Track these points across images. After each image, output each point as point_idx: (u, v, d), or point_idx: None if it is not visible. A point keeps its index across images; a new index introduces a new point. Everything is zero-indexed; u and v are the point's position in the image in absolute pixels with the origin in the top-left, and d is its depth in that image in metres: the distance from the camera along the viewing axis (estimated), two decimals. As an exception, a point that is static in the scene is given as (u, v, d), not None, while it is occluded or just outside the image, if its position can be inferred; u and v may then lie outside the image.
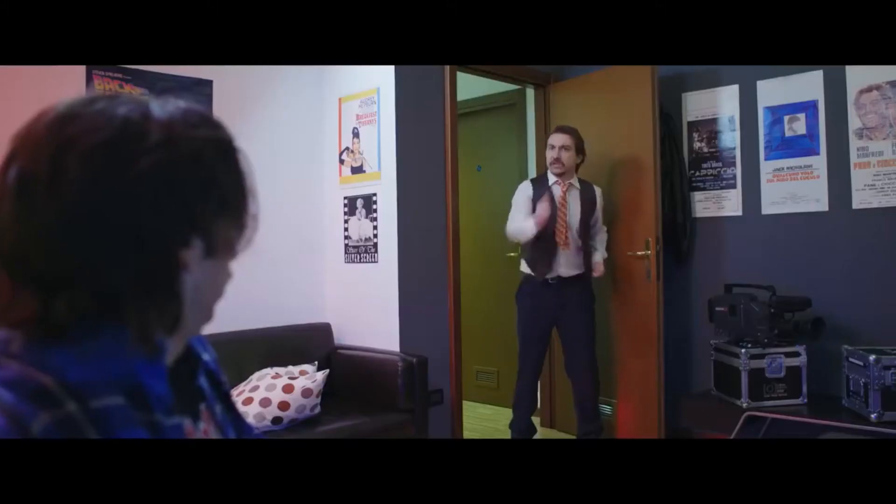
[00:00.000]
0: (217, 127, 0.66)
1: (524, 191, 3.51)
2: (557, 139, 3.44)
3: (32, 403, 0.52)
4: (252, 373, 2.93)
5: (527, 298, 3.48)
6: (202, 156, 0.62)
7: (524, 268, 3.50)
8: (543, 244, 3.36)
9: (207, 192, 0.63)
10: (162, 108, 0.62)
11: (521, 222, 3.41)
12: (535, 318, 3.45)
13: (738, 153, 3.57)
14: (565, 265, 3.39)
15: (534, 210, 3.36)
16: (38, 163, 0.57)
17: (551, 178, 3.43)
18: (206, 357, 0.79)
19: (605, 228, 3.59)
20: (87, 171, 0.57)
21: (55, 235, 0.57)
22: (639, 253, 3.54)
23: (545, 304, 3.41)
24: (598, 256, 3.52)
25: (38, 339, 0.58)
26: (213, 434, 0.73)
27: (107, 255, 0.58)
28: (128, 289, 0.59)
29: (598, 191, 3.53)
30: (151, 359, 0.62)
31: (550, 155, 3.43)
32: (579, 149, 3.45)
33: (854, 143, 3.19)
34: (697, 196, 3.72)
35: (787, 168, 3.41)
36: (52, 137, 0.58)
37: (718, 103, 3.64)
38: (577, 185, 3.47)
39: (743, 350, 3.02)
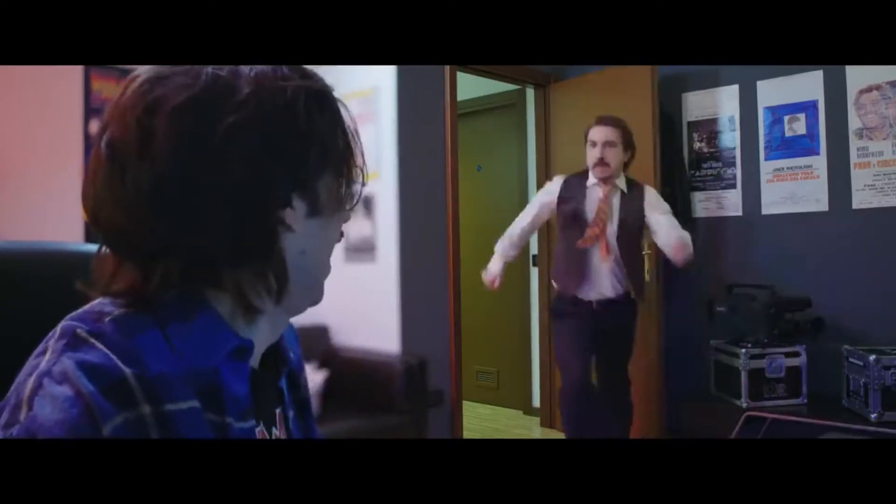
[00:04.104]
0: (310, 76, 0.61)
1: (548, 190, 2.96)
2: (600, 134, 2.78)
3: (111, 401, 0.50)
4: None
5: (563, 319, 2.92)
6: (295, 106, 0.58)
7: (554, 282, 3.05)
8: (575, 252, 2.83)
9: (305, 145, 0.59)
10: (251, 66, 0.59)
11: (506, 236, 2.97)
12: (573, 340, 2.85)
13: (738, 153, 3.57)
14: (605, 282, 2.83)
15: (561, 212, 2.90)
16: (126, 128, 0.55)
17: (592, 178, 2.84)
18: (291, 356, 0.75)
19: (675, 224, 2.81)
20: (174, 132, 0.54)
21: (147, 202, 0.55)
22: (639, 253, 3.52)
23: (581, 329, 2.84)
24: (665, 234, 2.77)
25: (136, 309, 0.57)
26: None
27: (201, 220, 0.56)
28: (226, 255, 0.57)
29: (649, 194, 2.86)
30: (238, 357, 0.60)
31: (592, 155, 2.78)
32: (628, 143, 2.81)
33: (854, 143, 3.19)
34: (697, 196, 3.72)
35: (787, 168, 3.41)
36: (140, 100, 0.56)
37: (718, 103, 3.64)
38: (624, 187, 2.84)
39: (743, 350, 3.02)
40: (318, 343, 3.32)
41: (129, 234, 0.57)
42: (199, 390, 0.57)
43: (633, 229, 2.83)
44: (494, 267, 2.93)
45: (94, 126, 2.64)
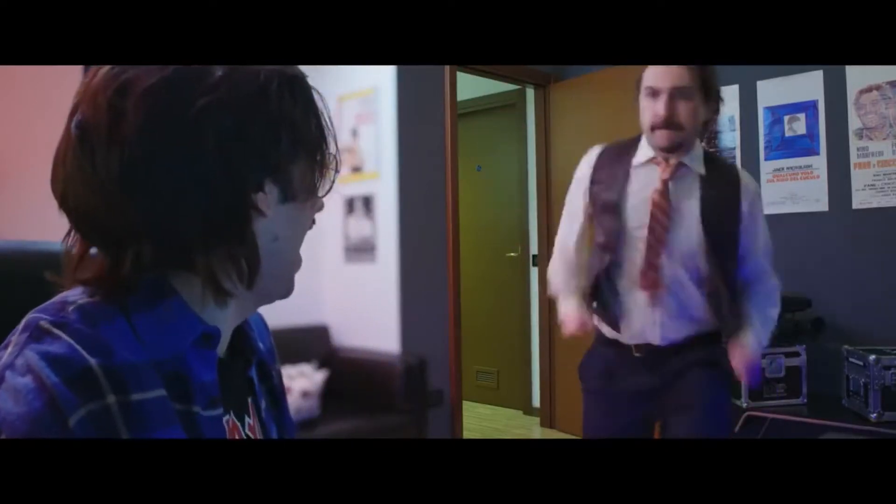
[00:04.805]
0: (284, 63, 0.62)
1: (580, 170, 1.86)
2: (665, 76, 1.66)
3: (75, 392, 0.50)
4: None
5: (596, 372, 1.85)
6: (269, 90, 0.58)
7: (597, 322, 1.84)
8: (609, 283, 1.77)
9: (277, 129, 0.59)
10: None
11: (556, 263, 1.90)
12: (611, 403, 1.82)
13: (738, 153, 3.57)
14: (656, 322, 1.73)
15: (593, 200, 1.81)
16: (97, 109, 0.55)
17: (643, 153, 1.76)
18: (260, 345, 0.75)
19: (774, 279, 1.87)
20: (145, 113, 0.54)
21: (118, 184, 0.54)
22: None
23: (629, 387, 1.78)
24: (748, 334, 1.71)
25: (104, 297, 0.56)
26: (258, 431, 0.70)
27: (172, 203, 0.55)
28: (198, 238, 0.57)
29: (746, 183, 1.75)
30: (205, 344, 0.60)
31: (652, 111, 1.68)
32: (710, 93, 1.70)
33: (854, 143, 3.19)
34: (697, 196, 3.71)
35: (787, 168, 3.41)
36: (111, 82, 0.55)
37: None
38: (701, 167, 1.73)
39: (743, 350, 3.02)
40: (318, 343, 3.32)
41: (100, 217, 0.56)
42: (166, 378, 0.56)
43: (721, 236, 1.71)
44: (566, 308, 1.80)
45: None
